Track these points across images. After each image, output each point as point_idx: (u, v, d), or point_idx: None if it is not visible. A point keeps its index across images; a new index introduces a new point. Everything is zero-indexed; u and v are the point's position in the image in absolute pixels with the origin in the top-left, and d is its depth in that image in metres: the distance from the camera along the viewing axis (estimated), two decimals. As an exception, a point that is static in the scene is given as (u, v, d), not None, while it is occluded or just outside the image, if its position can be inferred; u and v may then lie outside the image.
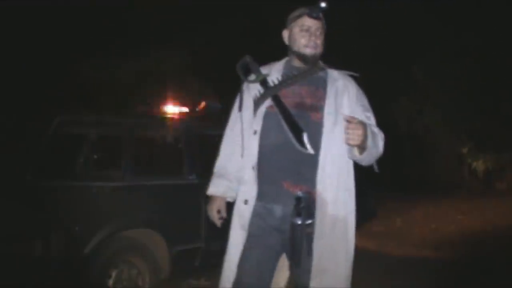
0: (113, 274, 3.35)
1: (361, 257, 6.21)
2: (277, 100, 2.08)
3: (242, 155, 2.15)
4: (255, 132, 2.10)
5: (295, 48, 2.13)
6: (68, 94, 9.46)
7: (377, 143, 2.01)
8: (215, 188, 2.27)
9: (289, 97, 2.09)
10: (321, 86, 2.12)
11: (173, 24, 10.34)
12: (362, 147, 1.94)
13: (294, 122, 2.04)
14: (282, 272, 2.17)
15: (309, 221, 1.96)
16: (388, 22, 12.28)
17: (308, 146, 2.00)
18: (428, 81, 13.05)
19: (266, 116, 2.09)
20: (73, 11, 9.68)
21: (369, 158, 2.01)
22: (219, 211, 2.25)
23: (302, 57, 2.12)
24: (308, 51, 2.10)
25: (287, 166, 2.05)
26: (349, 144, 1.94)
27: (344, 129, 1.91)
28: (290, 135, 2.02)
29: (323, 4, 2.04)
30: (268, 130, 2.08)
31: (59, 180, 3.23)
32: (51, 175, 3.20)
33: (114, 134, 3.69)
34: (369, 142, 1.93)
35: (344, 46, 12.44)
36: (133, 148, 3.61)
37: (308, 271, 2.01)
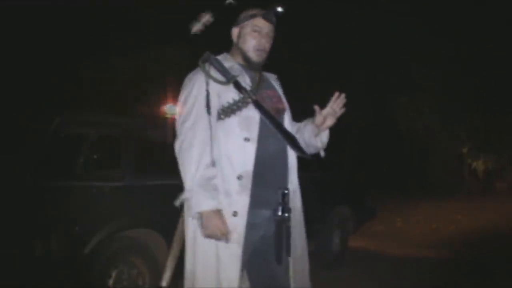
0: (113, 274, 3.34)
1: (361, 257, 6.26)
2: (260, 106, 2.02)
3: (213, 164, 1.96)
4: (247, 139, 1.99)
5: (244, 48, 2.09)
6: (68, 94, 9.47)
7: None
8: (214, 200, 1.92)
9: (265, 102, 2.07)
10: (275, 89, 2.19)
11: (173, 24, 10.34)
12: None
13: (286, 129, 2.09)
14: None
15: (286, 215, 2.03)
16: (385, 23, 12.31)
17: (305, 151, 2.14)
18: (427, 81, 13.06)
19: (262, 123, 2.03)
20: (73, 11, 9.68)
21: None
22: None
23: (247, 59, 2.10)
24: (255, 55, 2.09)
25: (281, 171, 2.09)
26: (329, 123, 2.14)
27: (336, 106, 2.11)
28: (286, 142, 2.06)
29: (280, 9, 2.03)
30: (265, 137, 2.02)
31: (59, 180, 3.22)
32: (51, 175, 3.20)
33: (114, 134, 3.69)
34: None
35: (342, 46, 12.45)
36: (133, 148, 3.61)
37: (286, 268, 2.07)
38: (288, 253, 2.06)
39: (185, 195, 1.95)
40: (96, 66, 10.07)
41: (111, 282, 3.33)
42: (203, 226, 1.92)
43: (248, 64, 2.11)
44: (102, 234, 3.23)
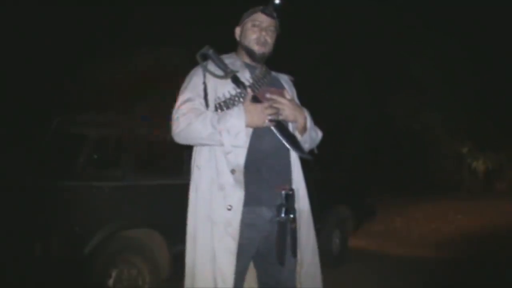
0: (113, 274, 3.35)
1: (361, 257, 6.26)
2: (258, 102, 2.00)
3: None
4: None
5: (246, 43, 2.10)
6: (68, 94, 9.47)
7: (316, 129, 2.21)
8: (237, 113, 1.94)
9: (265, 99, 2.04)
10: (282, 87, 2.18)
11: (173, 24, 10.35)
12: (303, 128, 2.10)
13: (286, 128, 2.06)
14: (252, 273, 2.12)
15: (292, 216, 2.01)
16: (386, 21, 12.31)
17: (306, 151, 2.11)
18: (426, 78, 13.07)
19: None
20: (73, 11, 9.69)
21: (310, 141, 2.16)
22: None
23: (250, 52, 2.10)
24: (256, 48, 2.09)
25: (280, 170, 2.06)
26: (286, 118, 2.05)
27: (280, 104, 2.02)
28: (285, 141, 2.03)
29: (277, 1, 2.04)
30: (260, 134, 2.00)
31: (59, 180, 3.23)
32: (51, 175, 3.20)
33: (114, 134, 3.69)
34: (309, 123, 2.13)
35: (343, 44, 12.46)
36: (133, 148, 3.61)
37: (291, 270, 2.05)
38: (294, 254, 2.04)
39: (221, 144, 1.93)
40: (96, 66, 10.06)
41: (111, 282, 3.33)
42: (256, 119, 1.94)
43: (252, 57, 2.11)
44: (102, 234, 3.24)
